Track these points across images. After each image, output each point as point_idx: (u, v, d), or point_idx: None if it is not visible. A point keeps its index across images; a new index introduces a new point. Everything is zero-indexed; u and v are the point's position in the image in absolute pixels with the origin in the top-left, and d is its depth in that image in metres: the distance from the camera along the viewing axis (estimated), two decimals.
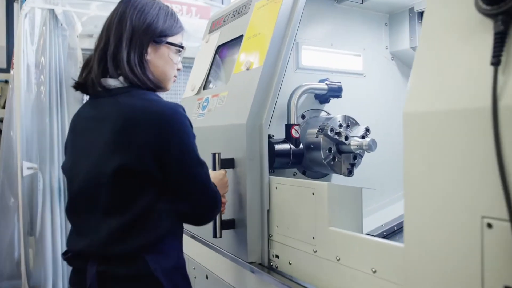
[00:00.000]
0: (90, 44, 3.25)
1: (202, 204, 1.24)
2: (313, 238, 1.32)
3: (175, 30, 1.28)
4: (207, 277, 1.87)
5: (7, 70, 4.24)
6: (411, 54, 2.08)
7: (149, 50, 1.21)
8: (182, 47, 1.31)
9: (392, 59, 2.15)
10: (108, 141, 1.09)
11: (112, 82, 1.17)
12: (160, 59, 1.25)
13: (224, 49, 2.12)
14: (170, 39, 1.26)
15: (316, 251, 1.31)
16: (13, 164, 3.20)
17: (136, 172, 1.08)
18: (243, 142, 1.55)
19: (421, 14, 1.99)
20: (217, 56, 2.14)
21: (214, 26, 2.29)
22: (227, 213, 1.65)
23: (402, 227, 1.92)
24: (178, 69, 1.33)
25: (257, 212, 1.58)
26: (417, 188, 0.85)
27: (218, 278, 1.79)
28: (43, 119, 3.15)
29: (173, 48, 1.28)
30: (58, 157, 3.16)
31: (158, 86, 1.25)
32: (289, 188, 1.45)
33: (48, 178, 3.12)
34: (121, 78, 1.17)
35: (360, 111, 1.98)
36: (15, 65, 3.23)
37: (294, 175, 1.81)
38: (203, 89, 2.10)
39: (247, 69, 1.69)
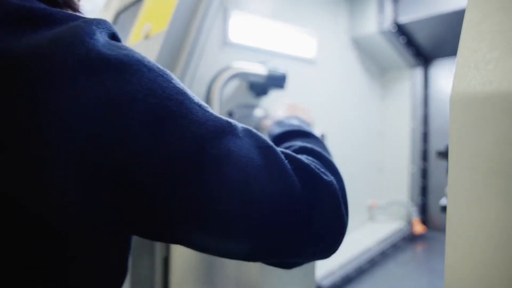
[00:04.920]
0: None
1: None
2: None
3: None
4: None
5: None
6: (377, 41, 1.59)
7: None
8: None
9: (353, 47, 1.66)
10: None
11: None
12: None
13: (124, 16, 1.51)
14: None
15: None
16: None
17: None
18: None
19: None
20: (117, 27, 1.52)
21: None
22: None
23: (361, 271, 1.44)
24: None
25: (147, 260, 1.00)
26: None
27: None
28: None
29: None
30: None
31: None
32: None
33: None
34: None
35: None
36: None
37: None
38: None
39: (146, 37, 1.10)
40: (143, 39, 1.11)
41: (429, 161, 1.68)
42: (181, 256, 0.96)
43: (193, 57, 1.04)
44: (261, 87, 1.29)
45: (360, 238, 1.60)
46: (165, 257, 1.00)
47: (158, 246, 0.99)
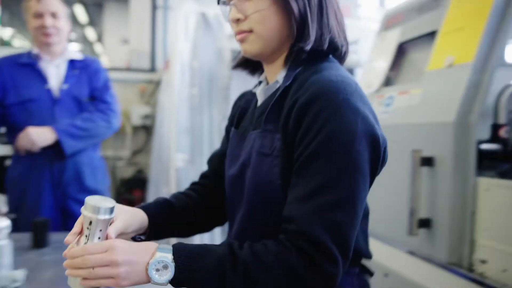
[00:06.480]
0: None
1: None
2: None
3: None
4: (386, 275, 1.86)
5: (151, 70, 4.71)
6: None
7: None
8: None
9: None
10: None
11: None
12: None
13: (406, 46, 2.08)
14: None
15: None
16: (164, 157, 3.56)
17: None
18: (448, 141, 1.51)
19: None
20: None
21: (390, 23, 2.26)
22: (423, 212, 1.62)
23: None
24: None
25: (459, 213, 1.53)
26: None
27: (400, 276, 1.77)
28: (194, 117, 3.37)
29: None
30: (207, 151, 3.31)
31: None
32: (509, 192, 1.38)
33: (198, 169, 3.22)
34: None
35: None
36: (170, 67, 3.53)
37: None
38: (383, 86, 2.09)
39: (449, 66, 1.63)
40: (445, 67, 1.65)
41: None
42: (487, 211, 1.46)
43: (490, 80, 1.52)
44: None
45: None
46: (473, 211, 1.51)
47: (468, 201, 1.50)
